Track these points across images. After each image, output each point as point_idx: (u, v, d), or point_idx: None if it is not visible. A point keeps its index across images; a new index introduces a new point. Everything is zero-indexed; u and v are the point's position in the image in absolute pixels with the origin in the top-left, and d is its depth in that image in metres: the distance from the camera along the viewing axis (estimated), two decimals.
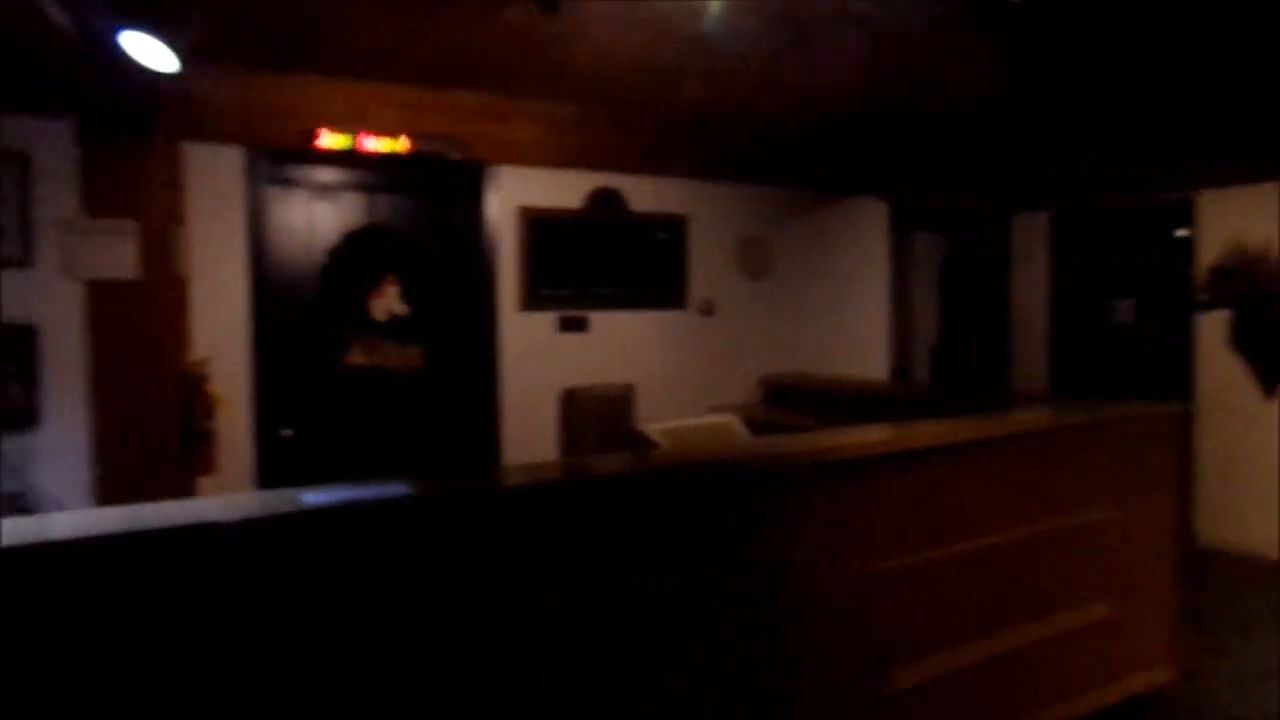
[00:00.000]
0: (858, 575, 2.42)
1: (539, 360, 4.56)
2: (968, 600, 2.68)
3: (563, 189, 4.62)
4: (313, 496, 1.67)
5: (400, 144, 4.01)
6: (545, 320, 4.60)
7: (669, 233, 4.98)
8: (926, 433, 2.65)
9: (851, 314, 5.71)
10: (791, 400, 5.06)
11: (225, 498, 1.80)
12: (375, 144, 3.97)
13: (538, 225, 4.55)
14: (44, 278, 3.16)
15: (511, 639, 1.82)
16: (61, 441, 3.18)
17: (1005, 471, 2.80)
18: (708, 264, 5.10)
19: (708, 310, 5.10)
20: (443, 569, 1.77)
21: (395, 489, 1.77)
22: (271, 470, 3.82)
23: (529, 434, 4.52)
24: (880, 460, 2.47)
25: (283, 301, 3.91)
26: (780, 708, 2.26)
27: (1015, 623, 2.79)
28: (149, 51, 2.28)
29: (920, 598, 2.57)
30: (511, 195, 4.47)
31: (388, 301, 4.18)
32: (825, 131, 4.96)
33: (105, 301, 3.21)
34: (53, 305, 3.17)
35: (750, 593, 2.19)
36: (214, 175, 3.67)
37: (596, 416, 4.62)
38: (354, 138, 3.90)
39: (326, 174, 4.05)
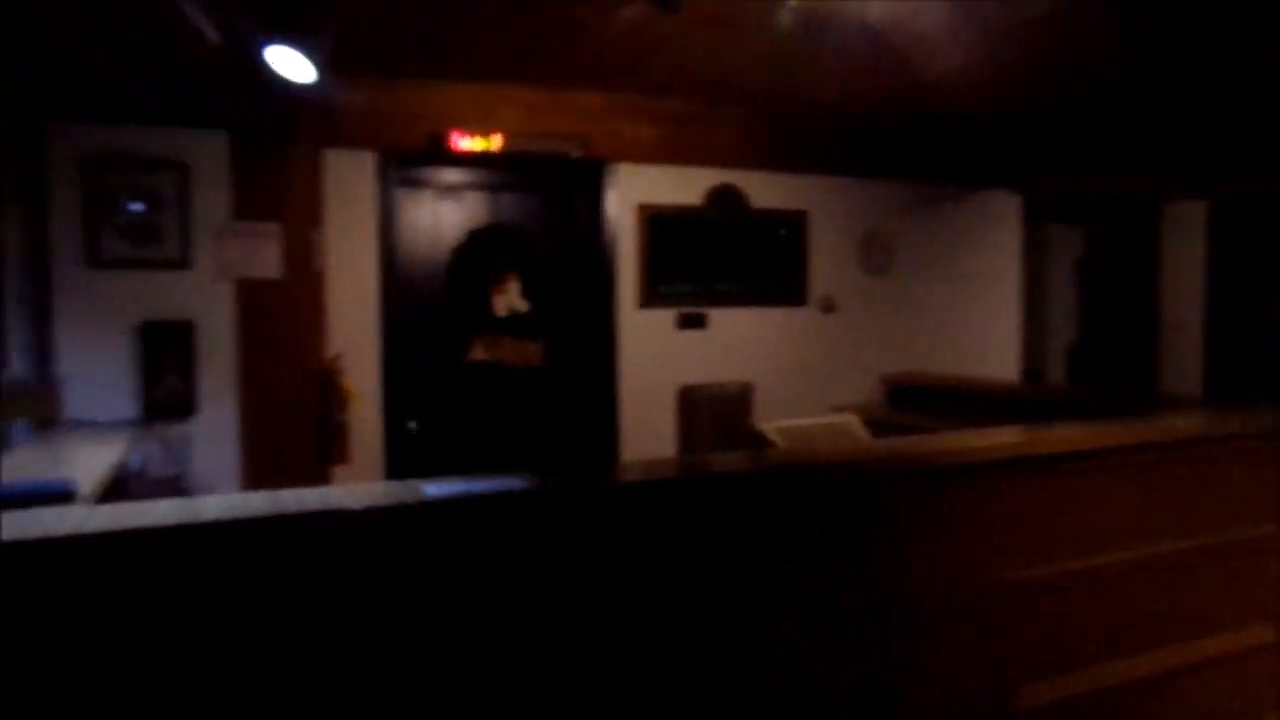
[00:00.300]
0: (986, 585, 2.30)
1: (657, 357, 4.58)
2: (1110, 616, 2.51)
3: (682, 186, 4.61)
4: (433, 488, 1.72)
5: (492, 143, 4.05)
6: (664, 317, 4.61)
7: (789, 229, 4.90)
8: (1062, 437, 2.49)
9: (979, 311, 5.46)
10: (915, 401, 4.88)
11: (354, 486, 1.88)
12: (469, 143, 4.04)
13: (657, 222, 4.56)
14: (200, 278, 3.41)
15: (622, 634, 1.83)
16: (214, 429, 3.42)
17: (1152, 481, 2.60)
18: (828, 260, 4.99)
19: (828, 307, 4.99)
20: (557, 561, 1.79)
21: (512, 482, 1.81)
22: (399, 461, 3.99)
23: (647, 431, 4.54)
24: (1011, 464, 2.35)
25: (410, 298, 4.08)
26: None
27: (1163, 643, 2.59)
28: (290, 64, 2.42)
29: (1057, 611, 2.42)
30: (631, 192, 4.50)
31: (509, 298, 4.29)
32: (956, 122, 4.76)
33: (252, 299, 3.43)
34: (207, 303, 3.42)
35: (868, 599, 2.12)
36: (349, 178, 3.87)
37: (714, 414, 4.60)
38: (445, 138, 3.96)
39: (451, 175, 4.19)
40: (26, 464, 2.38)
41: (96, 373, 3.25)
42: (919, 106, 4.43)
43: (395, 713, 1.63)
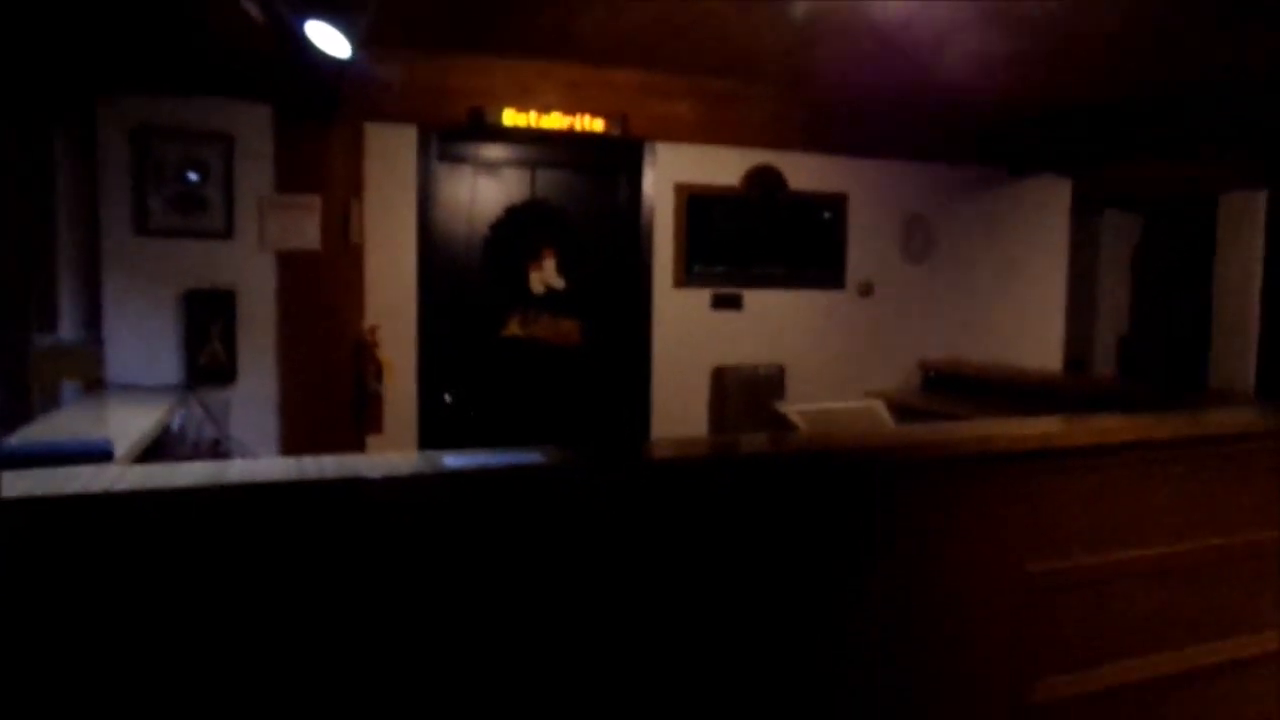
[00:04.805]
0: (1011, 576, 2.28)
1: (691, 337, 4.58)
2: (1138, 613, 2.47)
3: (721, 166, 4.58)
4: (452, 459, 1.75)
5: (558, 120, 4.10)
6: (699, 297, 4.60)
7: (828, 211, 4.84)
8: (1095, 428, 2.44)
9: (1023, 299, 5.35)
10: (952, 388, 4.82)
11: (376, 456, 1.92)
12: (539, 121, 4.08)
13: (695, 202, 4.55)
14: (243, 248, 3.49)
15: (636, 612, 1.85)
16: (254, 396, 3.52)
17: (1191, 476, 2.54)
18: (868, 244, 4.92)
19: (866, 292, 4.93)
20: (575, 535, 1.82)
21: (530, 457, 1.83)
22: (433, 432, 4.06)
23: (679, 411, 4.55)
24: (1042, 455, 2.31)
25: (447, 272, 4.13)
26: (915, 709, 2.17)
27: (1191, 642, 2.54)
28: (328, 39, 2.46)
29: (1083, 605, 2.39)
30: (669, 172, 4.48)
31: (546, 275, 4.32)
32: (1004, 108, 4.64)
33: (292, 270, 3.51)
34: (249, 273, 3.50)
35: (887, 586, 2.11)
36: (389, 152, 3.92)
37: (747, 396, 4.59)
38: (485, 113, 3.96)
39: (491, 150, 4.22)
40: (72, 423, 2.47)
41: (143, 338, 3.36)
42: (965, 90, 4.33)
43: (394, 677, 1.68)
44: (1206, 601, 2.56)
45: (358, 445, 3.71)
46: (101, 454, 1.85)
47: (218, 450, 3.31)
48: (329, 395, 3.59)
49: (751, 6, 3.17)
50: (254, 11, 2.32)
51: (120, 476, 1.63)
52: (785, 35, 3.52)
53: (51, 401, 2.94)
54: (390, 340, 3.87)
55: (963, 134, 4.98)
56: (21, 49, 2.82)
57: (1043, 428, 2.48)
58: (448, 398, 4.15)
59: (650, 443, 3.89)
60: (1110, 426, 2.48)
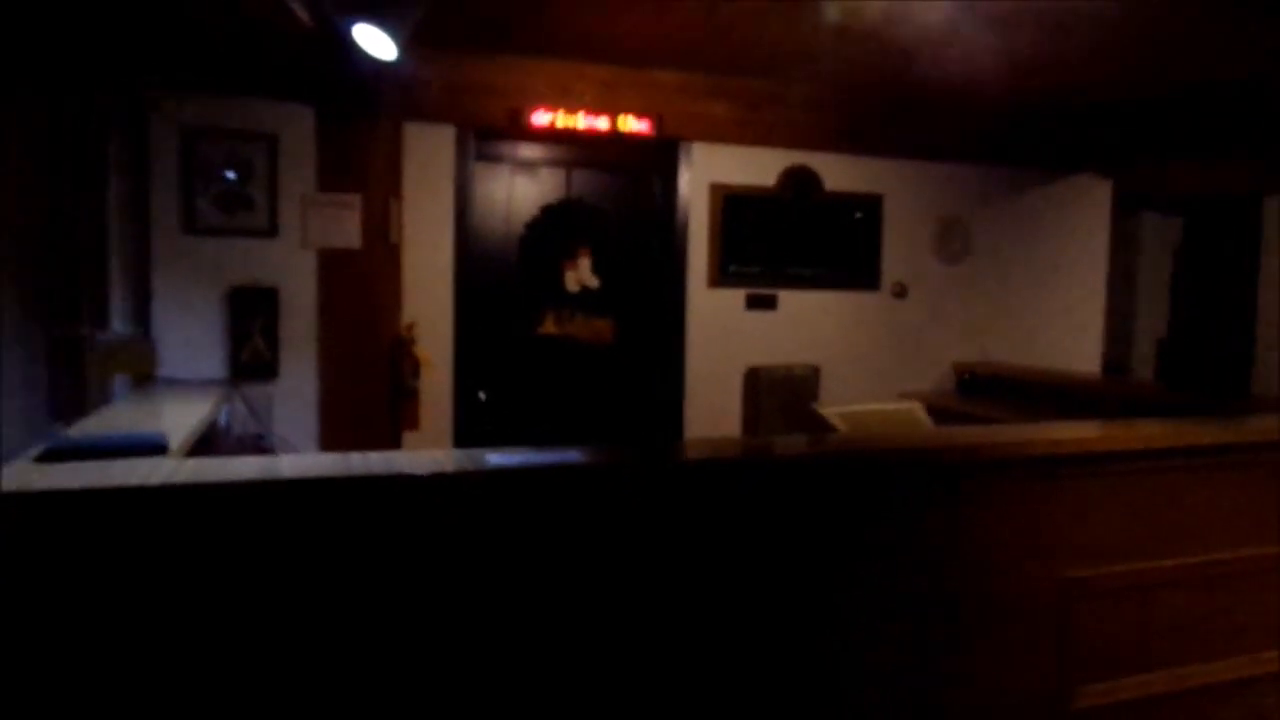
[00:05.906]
0: (1049, 582, 2.26)
1: (725, 337, 4.58)
2: (1180, 621, 2.44)
3: (756, 167, 4.58)
4: (496, 457, 1.78)
5: (569, 119, 4.11)
6: (734, 297, 4.60)
7: (863, 212, 4.82)
8: (1136, 434, 2.42)
9: (1060, 302, 5.29)
10: (987, 391, 4.77)
11: (419, 452, 1.96)
12: (575, 121, 4.11)
13: (730, 202, 4.55)
14: (285, 246, 3.56)
15: (673, 609, 1.86)
16: (294, 391, 3.58)
17: (1235, 484, 2.51)
18: (903, 245, 4.89)
19: (901, 293, 4.90)
20: (614, 533, 1.83)
21: (572, 455, 1.86)
22: (468, 429, 4.10)
23: (712, 411, 4.56)
24: (1082, 460, 2.29)
25: (483, 271, 4.17)
26: (953, 714, 2.17)
27: (1236, 651, 2.50)
28: (374, 42, 2.50)
29: (1123, 612, 2.37)
30: (705, 172, 4.49)
31: (580, 274, 4.35)
32: (1046, 105, 4.58)
33: (332, 268, 3.56)
34: (291, 271, 3.56)
35: (925, 589, 2.11)
36: (428, 152, 3.96)
37: (780, 397, 4.59)
38: (523, 114, 3.99)
39: (528, 150, 4.25)
40: (126, 417, 2.54)
41: (189, 334, 3.43)
42: (1002, 90, 4.29)
43: (436, 667, 1.71)
44: (1252, 610, 2.52)
45: (394, 441, 3.76)
46: (157, 447, 1.90)
47: (260, 445, 3.37)
48: (367, 391, 3.64)
49: (788, 8, 3.17)
50: (301, 14, 2.36)
51: (176, 470, 1.68)
52: (821, 36, 3.51)
53: (104, 395, 3.02)
54: (426, 338, 3.92)
55: (1000, 134, 4.93)
56: (78, 51, 2.90)
57: (1081, 432, 2.45)
58: (482, 395, 4.19)
59: (686, 443, 3.90)
60: (1151, 432, 2.45)
